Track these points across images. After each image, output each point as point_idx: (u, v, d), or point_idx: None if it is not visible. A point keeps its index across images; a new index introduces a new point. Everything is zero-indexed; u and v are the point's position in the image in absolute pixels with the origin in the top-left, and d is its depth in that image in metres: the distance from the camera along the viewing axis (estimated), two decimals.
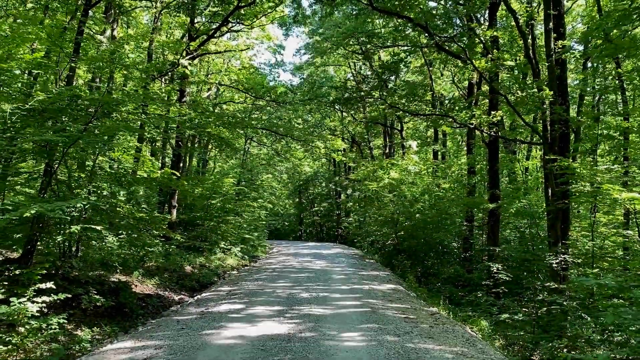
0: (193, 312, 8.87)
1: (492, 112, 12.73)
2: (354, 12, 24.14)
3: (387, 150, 33.98)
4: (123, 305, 9.43)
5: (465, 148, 38.68)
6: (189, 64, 15.54)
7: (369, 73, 36.90)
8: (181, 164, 19.75)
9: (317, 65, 34.38)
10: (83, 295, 8.50)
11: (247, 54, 25.23)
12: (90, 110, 7.99)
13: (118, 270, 12.50)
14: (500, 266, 12.99)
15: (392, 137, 35.21)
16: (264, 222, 26.27)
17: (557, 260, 10.04)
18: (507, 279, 12.85)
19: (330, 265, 17.41)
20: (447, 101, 24.90)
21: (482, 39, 12.52)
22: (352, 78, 36.53)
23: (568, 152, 11.54)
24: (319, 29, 29.42)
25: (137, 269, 12.69)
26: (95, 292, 8.80)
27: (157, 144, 23.23)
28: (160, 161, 22.04)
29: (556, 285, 10.47)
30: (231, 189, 21.50)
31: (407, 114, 16.78)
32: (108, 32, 17.05)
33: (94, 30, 18.00)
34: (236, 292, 11.25)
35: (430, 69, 30.30)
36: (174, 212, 17.72)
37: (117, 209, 9.85)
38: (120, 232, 10.98)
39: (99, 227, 7.73)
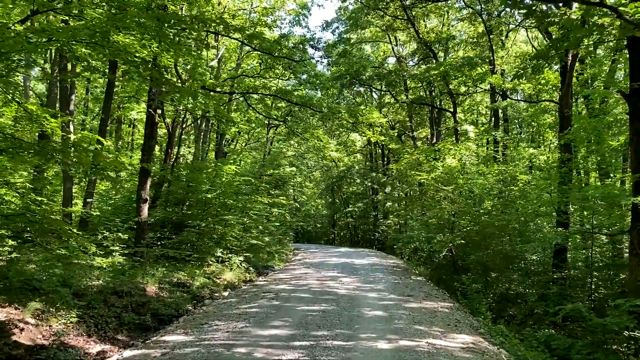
0: None
1: None
2: None
3: (434, 140, 28.15)
4: None
5: (529, 141, 32.34)
6: None
7: (412, 49, 31.29)
8: (154, 142, 14.70)
9: (351, 42, 29.17)
10: None
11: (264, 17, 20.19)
12: None
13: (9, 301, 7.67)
14: None
15: (439, 124, 29.37)
16: (278, 224, 21.01)
17: None
18: None
19: (363, 287, 12.02)
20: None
21: None
22: (393, 53, 30.98)
23: None
24: None
25: (33, 297, 7.74)
26: None
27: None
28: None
29: None
30: (234, 179, 16.40)
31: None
32: None
33: None
34: (180, 356, 6.02)
35: (491, 36, 24.51)
36: (145, 207, 12.68)
37: None
38: None
39: None
